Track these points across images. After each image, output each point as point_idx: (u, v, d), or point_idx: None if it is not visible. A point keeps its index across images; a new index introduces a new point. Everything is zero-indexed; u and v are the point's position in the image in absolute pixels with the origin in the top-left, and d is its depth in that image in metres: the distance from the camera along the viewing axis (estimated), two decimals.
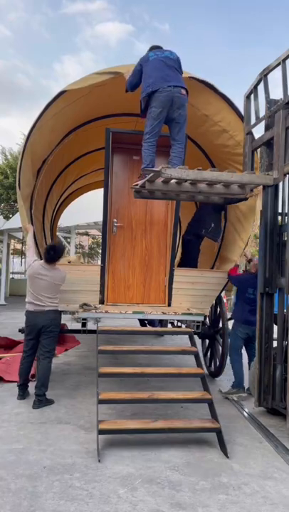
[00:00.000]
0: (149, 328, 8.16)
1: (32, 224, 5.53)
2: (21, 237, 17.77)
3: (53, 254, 5.05)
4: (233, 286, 6.37)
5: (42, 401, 4.81)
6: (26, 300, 5.08)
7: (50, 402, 4.90)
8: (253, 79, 5.06)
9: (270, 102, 4.72)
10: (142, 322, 8.75)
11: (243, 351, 5.76)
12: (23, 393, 5.08)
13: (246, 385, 5.56)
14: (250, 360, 5.61)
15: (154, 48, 4.95)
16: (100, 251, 6.29)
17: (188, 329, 5.26)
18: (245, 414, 4.87)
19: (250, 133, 5.14)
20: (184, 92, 4.64)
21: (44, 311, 4.98)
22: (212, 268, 6.59)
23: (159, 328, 7.74)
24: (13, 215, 18.47)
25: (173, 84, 4.54)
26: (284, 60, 4.34)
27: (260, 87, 4.89)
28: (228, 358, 5.83)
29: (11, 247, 21.47)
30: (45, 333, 4.97)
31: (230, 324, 6.06)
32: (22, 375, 5.11)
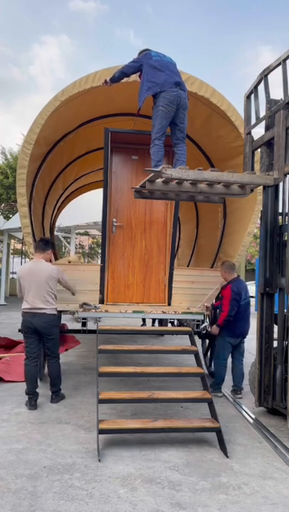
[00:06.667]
0: (149, 327, 8.15)
1: (31, 223, 5.52)
2: (21, 237, 17.76)
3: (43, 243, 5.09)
4: None
5: (59, 395, 4.99)
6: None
7: (63, 395, 5.08)
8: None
9: (270, 102, 4.73)
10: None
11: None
12: (35, 402, 4.74)
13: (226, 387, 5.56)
14: (240, 356, 5.62)
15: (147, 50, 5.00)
16: (100, 251, 6.29)
17: (188, 328, 5.26)
18: (245, 414, 4.87)
19: (250, 133, 5.14)
20: (187, 95, 4.84)
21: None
22: (212, 267, 6.59)
23: (159, 328, 7.75)
24: (13, 215, 18.46)
25: (180, 87, 4.72)
26: (284, 60, 4.34)
27: (261, 87, 4.89)
28: (213, 361, 5.80)
29: (11, 247, 21.47)
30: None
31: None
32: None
